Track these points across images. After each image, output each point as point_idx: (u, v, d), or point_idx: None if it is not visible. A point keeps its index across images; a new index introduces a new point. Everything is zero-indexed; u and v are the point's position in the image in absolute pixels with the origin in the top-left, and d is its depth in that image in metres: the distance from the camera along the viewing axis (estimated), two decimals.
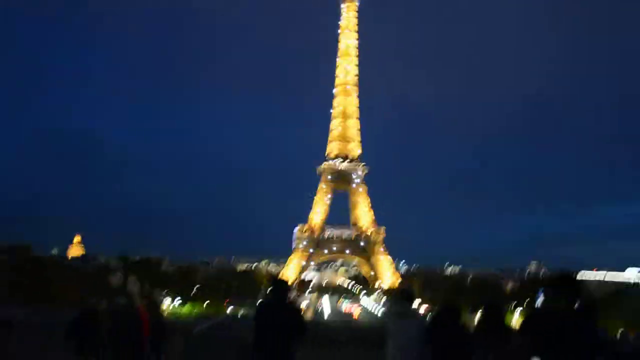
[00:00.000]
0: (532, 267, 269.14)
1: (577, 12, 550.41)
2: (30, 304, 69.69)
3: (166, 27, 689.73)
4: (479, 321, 7.74)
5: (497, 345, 7.32)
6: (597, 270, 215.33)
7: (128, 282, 8.60)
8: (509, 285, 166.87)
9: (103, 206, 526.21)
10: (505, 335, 7.35)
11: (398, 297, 7.83)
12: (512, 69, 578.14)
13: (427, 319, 7.92)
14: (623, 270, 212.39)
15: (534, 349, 5.95)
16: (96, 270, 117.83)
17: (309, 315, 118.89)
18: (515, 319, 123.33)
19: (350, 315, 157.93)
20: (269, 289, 7.92)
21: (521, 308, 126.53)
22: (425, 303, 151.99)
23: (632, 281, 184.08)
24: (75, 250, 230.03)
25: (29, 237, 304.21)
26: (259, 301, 8.03)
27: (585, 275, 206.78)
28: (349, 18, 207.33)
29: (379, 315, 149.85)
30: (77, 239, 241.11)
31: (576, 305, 6.12)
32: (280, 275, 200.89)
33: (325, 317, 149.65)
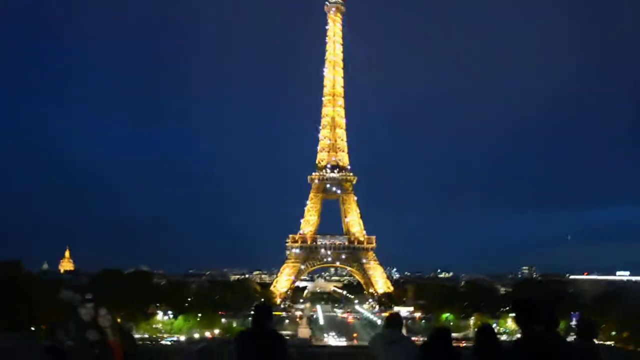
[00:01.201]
0: (525, 270, 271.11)
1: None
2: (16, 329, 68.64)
3: (157, 34, 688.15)
4: (474, 345, 7.68)
5: None
6: (587, 274, 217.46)
7: (99, 315, 8.13)
8: (502, 290, 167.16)
9: (91, 219, 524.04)
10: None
11: (387, 324, 7.90)
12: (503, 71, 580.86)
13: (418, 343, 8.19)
14: (613, 273, 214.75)
15: None
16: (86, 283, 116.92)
17: (304, 329, 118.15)
18: (511, 319, 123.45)
19: (345, 319, 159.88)
20: (251, 313, 7.63)
21: (514, 313, 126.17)
22: (419, 310, 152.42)
23: (623, 282, 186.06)
24: (67, 264, 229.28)
25: (17, 251, 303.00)
26: (239, 331, 6.99)
27: (576, 279, 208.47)
28: (334, 28, 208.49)
29: (374, 319, 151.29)
30: (67, 253, 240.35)
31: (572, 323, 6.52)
32: (273, 286, 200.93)
33: (321, 321, 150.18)
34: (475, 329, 7.14)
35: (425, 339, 8.12)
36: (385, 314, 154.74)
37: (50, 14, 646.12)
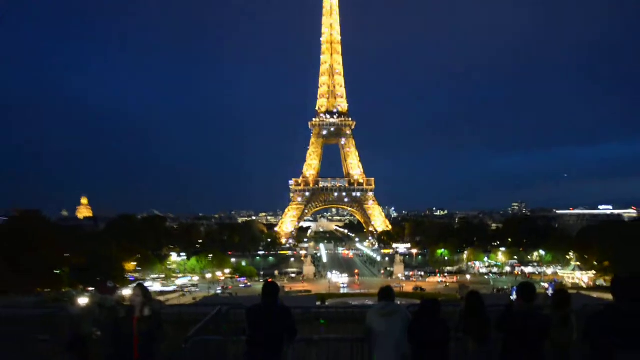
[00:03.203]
0: (515, 207, 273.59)
1: None
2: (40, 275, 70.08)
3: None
4: (461, 310, 8.04)
5: (477, 332, 7.75)
6: (573, 209, 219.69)
7: (133, 292, 7.89)
8: (493, 226, 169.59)
9: (106, 166, 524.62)
10: (486, 326, 7.76)
11: (381, 297, 7.92)
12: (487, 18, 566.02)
13: (413, 313, 8.18)
14: (596, 208, 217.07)
15: (507, 342, 7.13)
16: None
17: (308, 267, 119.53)
18: (502, 253, 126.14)
19: (347, 257, 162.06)
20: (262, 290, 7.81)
21: (504, 248, 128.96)
22: (416, 247, 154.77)
23: (606, 215, 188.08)
24: (85, 211, 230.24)
25: (36, 198, 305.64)
26: (249, 307, 7.87)
27: (562, 214, 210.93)
28: None
29: (374, 256, 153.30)
30: (84, 200, 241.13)
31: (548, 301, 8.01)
32: (278, 227, 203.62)
33: (324, 259, 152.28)
34: (465, 294, 7.32)
35: (417, 304, 8.37)
36: (385, 251, 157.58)
37: None
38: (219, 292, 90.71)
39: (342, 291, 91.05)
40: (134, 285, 8.27)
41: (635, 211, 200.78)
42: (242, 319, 8.06)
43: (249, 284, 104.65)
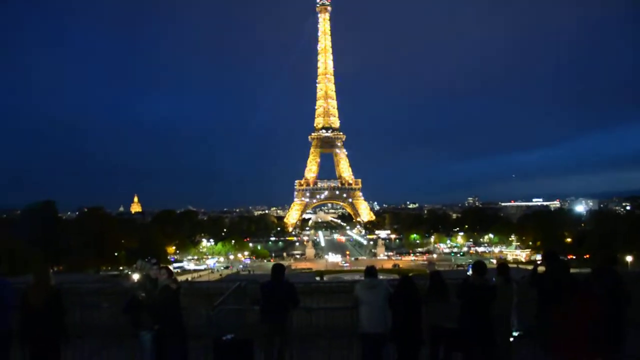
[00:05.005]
0: (470, 200, 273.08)
1: None
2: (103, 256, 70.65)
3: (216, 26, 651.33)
4: (428, 286, 7.92)
5: (441, 302, 7.66)
6: (513, 202, 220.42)
7: (160, 272, 7.91)
8: (454, 216, 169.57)
9: (154, 167, 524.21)
10: (446, 296, 7.73)
11: (366, 274, 7.92)
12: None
13: (392, 285, 8.12)
14: (530, 200, 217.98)
15: (464, 308, 7.29)
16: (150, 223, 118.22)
17: (310, 250, 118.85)
18: (460, 236, 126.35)
19: (341, 241, 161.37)
20: (271, 269, 7.94)
21: (462, 233, 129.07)
22: (394, 232, 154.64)
23: (538, 206, 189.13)
24: (136, 207, 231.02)
25: (102, 196, 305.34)
26: (262, 283, 7.89)
27: (506, 205, 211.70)
28: (324, 24, 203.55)
29: (361, 240, 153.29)
30: (135, 199, 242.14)
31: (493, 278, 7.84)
32: (286, 218, 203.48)
33: (322, 243, 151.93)
34: (429, 273, 7.31)
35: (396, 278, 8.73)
36: (370, 236, 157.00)
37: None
38: (242, 268, 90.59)
39: (344, 268, 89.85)
40: (159, 265, 8.19)
41: (559, 203, 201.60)
42: (257, 291, 8.04)
43: (247, 261, 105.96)
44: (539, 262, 8.24)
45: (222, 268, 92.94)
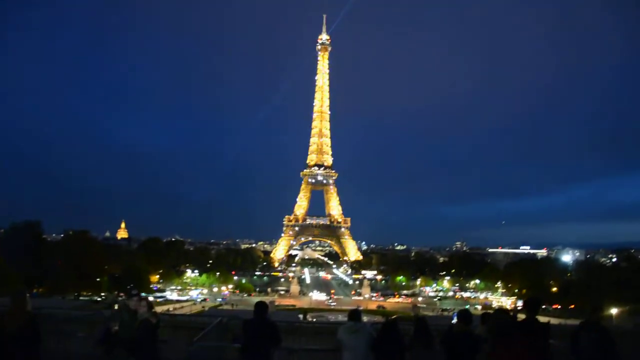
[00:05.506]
0: (458, 245, 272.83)
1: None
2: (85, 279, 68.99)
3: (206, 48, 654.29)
4: (413, 332, 7.87)
5: (425, 349, 7.63)
6: (501, 248, 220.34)
7: (139, 303, 7.82)
8: (441, 259, 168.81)
9: (141, 196, 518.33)
10: (431, 343, 7.70)
11: (350, 317, 7.86)
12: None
13: (375, 329, 8.15)
14: (518, 247, 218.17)
15: (449, 357, 7.17)
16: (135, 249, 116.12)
17: (295, 286, 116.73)
18: (447, 280, 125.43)
19: (326, 279, 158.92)
20: (254, 308, 7.75)
21: (448, 277, 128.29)
22: (380, 273, 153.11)
23: (525, 254, 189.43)
24: (122, 233, 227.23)
25: (86, 220, 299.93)
26: (245, 320, 7.77)
27: (493, 251, 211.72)
28: (323, 62, 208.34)
29: (347, 280, 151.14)
30: (122, 224, 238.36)
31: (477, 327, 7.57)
32: (272, 253, 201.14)
33: (308, 280, 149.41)
34: (415, 316, 7.20)
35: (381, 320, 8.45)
36: (356, 276, 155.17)
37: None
38: (222, 301, 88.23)
39: (331, 307, 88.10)
40: (139, 297, 8.07)
41: (546, 251, 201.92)
42: (238, 327, 7.94)
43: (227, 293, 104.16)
44: (519, 308, 8.25)
45: (199, 300, 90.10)
